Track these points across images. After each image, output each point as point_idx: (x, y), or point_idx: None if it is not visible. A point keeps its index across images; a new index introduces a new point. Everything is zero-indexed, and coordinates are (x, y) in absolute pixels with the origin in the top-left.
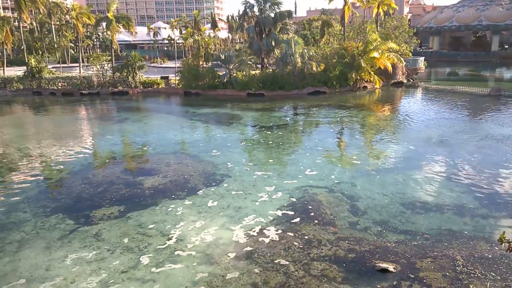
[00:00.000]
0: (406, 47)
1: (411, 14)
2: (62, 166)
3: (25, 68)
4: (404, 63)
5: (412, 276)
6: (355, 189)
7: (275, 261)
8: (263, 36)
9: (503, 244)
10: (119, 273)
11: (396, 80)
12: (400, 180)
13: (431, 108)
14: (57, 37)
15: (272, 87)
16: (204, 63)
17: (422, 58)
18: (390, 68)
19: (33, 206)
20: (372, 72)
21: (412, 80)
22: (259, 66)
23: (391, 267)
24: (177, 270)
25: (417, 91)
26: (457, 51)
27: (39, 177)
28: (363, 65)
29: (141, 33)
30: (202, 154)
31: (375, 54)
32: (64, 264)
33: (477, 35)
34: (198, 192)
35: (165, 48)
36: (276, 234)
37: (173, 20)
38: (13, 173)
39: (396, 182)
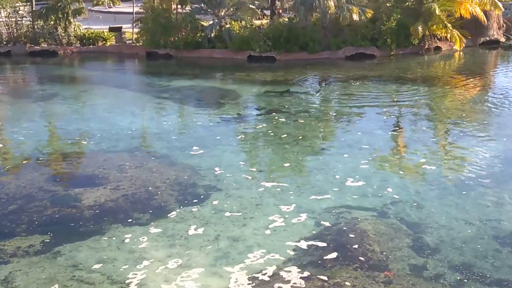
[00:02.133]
0: None
1: None
2: None
3: None
4: (503, 10)
5: None
6: (421, 213)
7: None
8: None
9: None
10: None
11: (488, 38)
12: (493, 199)
13: None
14: None
15: (288, 46)
16: (179, 7)
17: None
18: (482, 16)
19: None
20: (449, 25)
21: None
22: (268, 12)
23: None
24: None
25: None
26: None
27: None
28: (436, 12)
29: None
30: (175, 152)
31: None
32: None
33: None
34: (169, 215)
35: None
36: (295, 282)
37: None
38: None
39: (486, 203)
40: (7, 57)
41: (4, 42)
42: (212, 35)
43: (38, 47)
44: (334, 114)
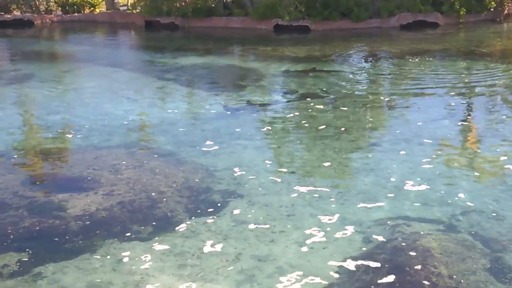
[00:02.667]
0: None
1: None
2: None
3: None
4: None
5: None
6: (501, 226)
7: None
8: None
9: None
10: None
11: None
12: None
13: None
14: None
15: (326, 13)
16: None
17: None
18: None
19: None
20: None
21: None
22: None
23: None
24: None
25: None
26: None
27: None
28: None
29: None
30: (183, 148)
31: None
32: None
33: None
34: (177, 227)
35: None
36: None
37: None
38: None
39: None
40: None
41: None
42: None
43: (9, 16)
44: (386, 99)
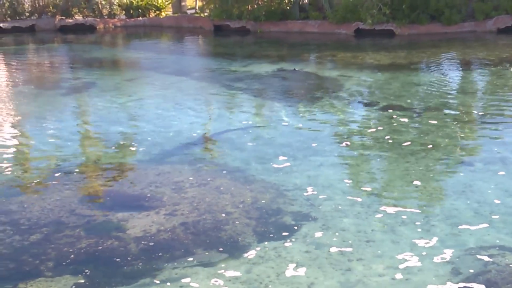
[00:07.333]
0: None
1: None
2: None
3: None
4: None
5: None
6: None
7: None
8: None
9: None
10: None
11: None
12: None
13: None
14: None
15: (414, 16)
16: None
17: None
18: None
19: None
20: None
21: None
22: None
23: None
24: None
25: None
26: None
27: None
28: None
29: None
30: (252, 165)
31: None
32: None
33: None
34: (244, 252)
35: None
36: None
37: None
38: None
39: None
40: (31, 33)
41: (27, 14)
42: (306, 1)
43: (70, 20)
44: (480, 113)
